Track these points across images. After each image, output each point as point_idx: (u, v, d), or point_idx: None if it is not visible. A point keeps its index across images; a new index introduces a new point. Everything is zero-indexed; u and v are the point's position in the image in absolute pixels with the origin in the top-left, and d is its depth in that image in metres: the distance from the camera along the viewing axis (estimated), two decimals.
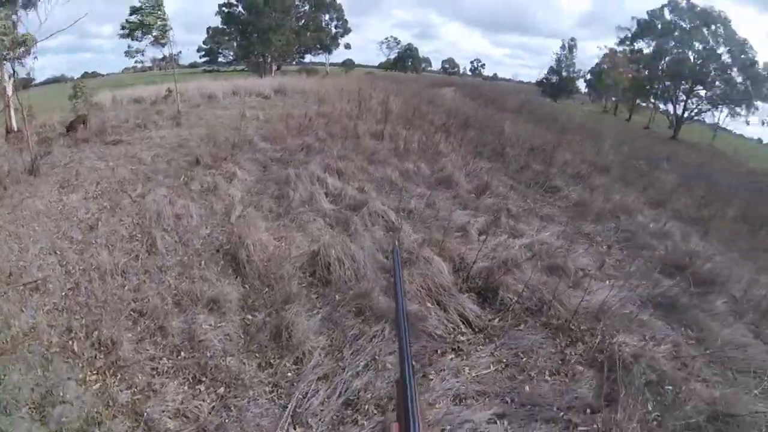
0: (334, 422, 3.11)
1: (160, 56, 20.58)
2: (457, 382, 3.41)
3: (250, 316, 4.15)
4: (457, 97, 17.65)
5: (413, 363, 0.70)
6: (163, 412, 3.29)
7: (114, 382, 3.53)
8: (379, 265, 4.78)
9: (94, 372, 3.65)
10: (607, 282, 4.88)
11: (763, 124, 23.23)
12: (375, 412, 3.15)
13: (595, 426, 3.20)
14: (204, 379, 3.57)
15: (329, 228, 5.68)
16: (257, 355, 3.74)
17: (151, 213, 5.90)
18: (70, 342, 3.93)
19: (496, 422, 3.17)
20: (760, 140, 25.18)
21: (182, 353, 3.82)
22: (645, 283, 5.07)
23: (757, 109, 23.39)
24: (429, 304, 4.12)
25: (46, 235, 5.57)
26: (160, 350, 3.86)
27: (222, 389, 3.46)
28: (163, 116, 11.60)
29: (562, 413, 3.28)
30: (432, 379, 3.42)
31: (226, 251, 5.10)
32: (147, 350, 3.85)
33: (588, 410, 3.36)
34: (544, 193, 7.75)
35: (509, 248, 5.11)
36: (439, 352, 3.74)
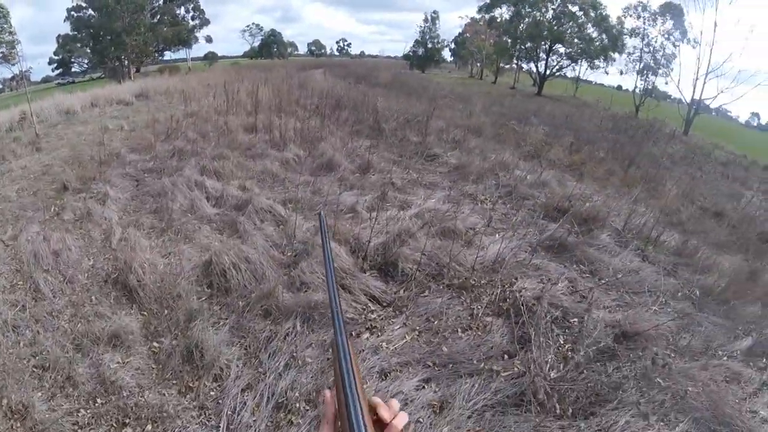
0: (270, 429, 3.06)
1: (10, 75, 18.12)
2: (378, 358, 3.51)
3: (156, 344, 3.87)
4: (327, 79, 17.61)
5: (344, 322, 0.70)
6: None
7: None
8: (277, 261, 4.69)
9: None
10: (497, 236, 5.27)
11: (621, 73, 26.19)
12: (307, 408, 3.14)
13: (515, 369, 3.49)
14: (128, 420, 3.29)
15: (217, 233, 5.46)
16: (174, 382, 3.51)
17: (27, 255, 5.21)
18: None
19: (424, 387, 3.33)
20: (619, 87, 28.41)
21: (98, 399, 3.46)
22: (532, 231, 5.56)
23: (614, 60, 26.31)
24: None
25: None
26: (75, 402, 3.46)
27: (149, 426, 3.23)
28: (21, 143, 10.18)
29: (482, 364, 3.52)
30: None
31: (114, 280, 4.67)
32: (62, 406, 3.43)
33: (505, 356, 3.64)
34: (425, 162, 8.09)
35: (400, 221, 5.26)
36: (354, 334, 3.79)
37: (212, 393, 3.37)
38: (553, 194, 6.74)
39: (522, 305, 4.05)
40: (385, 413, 0.66)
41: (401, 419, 0.67)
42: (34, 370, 3.79)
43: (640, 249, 5.62)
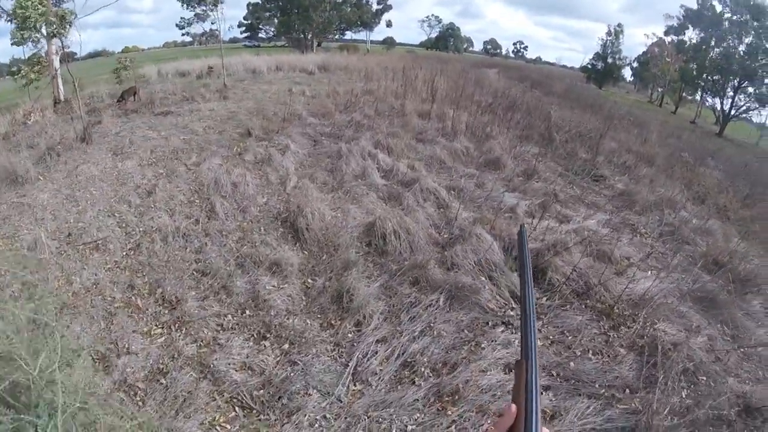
0: (392, 381, 3.39)
1: (200, 31, 20.82)
2: (507, 353, 3.65)
3: (310, 280, 4.45)
4: (501, 79, 17.47)
5: (537, 347, 0.67)
6: (229, 364, 3.53)
7: (179, 336, 3.80)
8: (433, 239, 5.02)
9: (159, 326, 3.93)
10: (650, 272, 5.02)
11: None
12: (430, 374, 3.42)
13: (633, 404, 3.42)
14: (269, 335, 3.85)
15: (382, 202, 5.91)
16: (319, 316, 4.04)
17: (208, 180, 6.21)
18: (134, 298, 4.21)
19: (542, 393, 3.42)
20: None
21: (247, 311, 4.12)
22: (685, 277, 5.19)
23: None
24: (482, 278, 4.35)
25: (103, 199, 5.88)
26: (225, 307, 4.15)
27: (286, 345, 3.73)
28: (209, 89, 11.89)
29: (603, 390, 3.50)
30: (484, 348, 3.67)
31: (284, 219, 5.39)
32: (212, 307, 4.15)
33: (627, 390, 3.58)
34: (591, 181, 7.81)
35: (557, 232, 5.27)
36: (490, 324, 3.98)
37: (350, 335, 3.80)
38: (715, 245, 6.14)
39: (659, 346, 3.88)
40: None
41: None
42: (195, 273, 4.58)
43: None
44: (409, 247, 4.75)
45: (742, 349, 4.41)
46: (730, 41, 24.03)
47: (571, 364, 3.69)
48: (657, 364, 3.77)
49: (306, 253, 4.81)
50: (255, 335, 3.90)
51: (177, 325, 3.94)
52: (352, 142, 7.62)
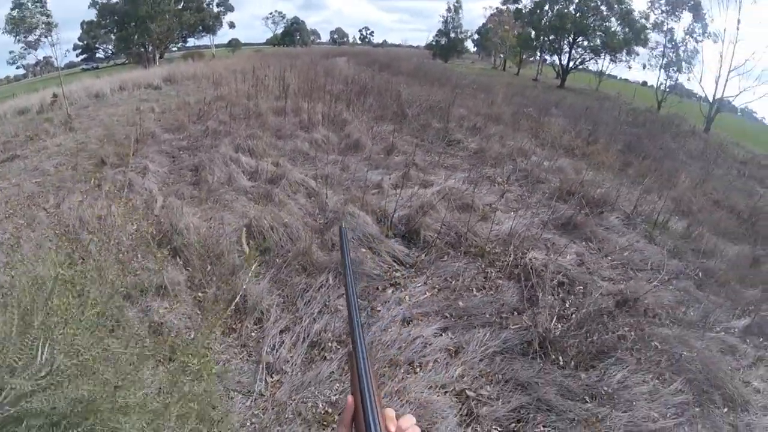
0: (305, 363, 3.45)
1: (34, 61, 18.67)
2: (401, 308, 3.91)
3: (201, 293, 4.32)
4: (351, 66, 17.94)
5: (364, 338, 0.70)
6: (146, 395, 3.34)
7: None
8: (310, 226, 5.13)
9: None
10: (511, 213, 5.62)
11: (644, 67, 25.94)
12: (338, 346, 3.55)
13: (523, 322, 3.86)
14: (174, 356, 3.70)
15: (253, 203, 5.86)
16: (218, 324, 3.95)
17: (72, 219, 5.68)
18: None
19: (441, 334, 3.72)
20: (644, 83, 28.13)
21: (147, 340, 3.90)
22: (544, 210, 5.91)
23: (637, 54, 26.06)
24: (363, 250, 4.59)
25: None
26: (123, 345, 3.89)
27: (195, 360, 3.63)
28: (53, 123, 10.71)
29: (494, 318, 3.91)
30: (380, 310, 3.90)
31: (159, 241, 5.10)
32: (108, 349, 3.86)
33: (515, 312, 4.02)
34: (446, 147, 8.43)
35: (422, 197, 5.65)
36: (380, 288, 4.23)
37: (253, 334, 3.79)
38: (567, 180, 7.04)
39: (532, 270, 4.42)
40: (402, 423, 0.65)
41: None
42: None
43: (648, 232, 5.93)
44: (289, 238, 4.80)
45: (609, 257, 5.16)
46: (562, 3, 27.02)
47: (460, 303, 4.05)
48: (534, 286, 4.28)
49: (190, 269, 4.63)
50: (162, 360, 3.72)
51: None
52: (212, 150, 7.43)
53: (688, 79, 23.77)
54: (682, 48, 23.72)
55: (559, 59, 27.77)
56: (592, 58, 27.19)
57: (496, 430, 3.05)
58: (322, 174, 6.57)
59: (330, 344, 3.56)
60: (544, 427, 3.05)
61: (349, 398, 0.65)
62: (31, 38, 18.20)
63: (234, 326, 3.89)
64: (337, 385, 3.23)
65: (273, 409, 3.05)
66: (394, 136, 8.29)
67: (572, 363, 3.50)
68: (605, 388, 3.28)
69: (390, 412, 0.64)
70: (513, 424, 3.08)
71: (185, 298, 4.28)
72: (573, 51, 27.12)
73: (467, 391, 3.25)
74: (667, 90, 24.09)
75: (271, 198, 5.88)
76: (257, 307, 3.91)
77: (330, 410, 3.05)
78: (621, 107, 16.66)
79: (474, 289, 4.28)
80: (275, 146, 7.91)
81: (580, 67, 27.64)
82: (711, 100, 20.97)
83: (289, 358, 3.52)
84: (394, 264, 4.56)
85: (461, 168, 7.29)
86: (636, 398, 3.24)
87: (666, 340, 3.87)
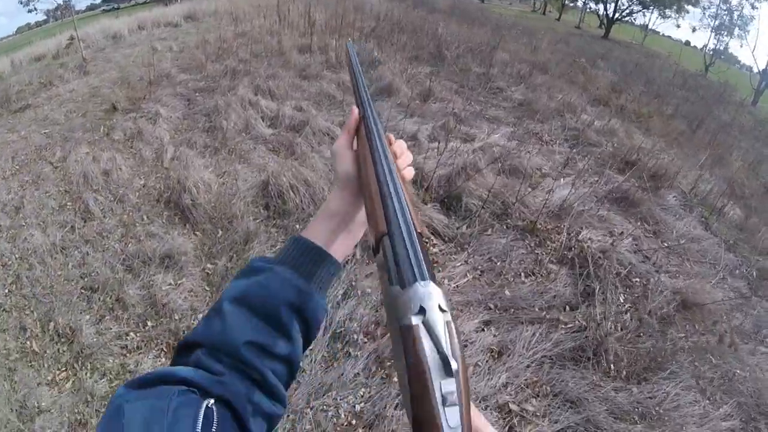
0: (327, 360, 2.97)
1: (54, 5, 18.01)
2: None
3: (210, 265, 3.82)
4: (382, 1, 16.70)
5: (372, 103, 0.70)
6: None
7: (86, 375, 3.13)
8: None
9: (62, 369, 3.23)
10: (562, 180, 4.92)
11: (693, 30, 24.06)
12: (365, 340, 3.05)
13: (576, 322, 3.31)
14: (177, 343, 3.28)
15: (273, 154, 5.26)
16: None
17: (76, 176, 5.21)
18: (29, 342, 3.43)
19: (483, 330, 3.19)
20: (687, 42, 26.15)
21: (149, 323, 3.45)
22: (597, 180, 5.20)
23: (687, 11, 24.07)
24: None
25: None
26: (124, 325, 3.45)
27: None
28: (68, 68, 10.09)
29: (544, 313, 3.35)
30: None
31: (167, 200, 4.61)
32: (110, 329, 3.41)
33: (567, 307, 3.46)
34: (488, 95, 7.57)
35: (464, 154, 4.96)
36: None
37: None
38: (621, 145, 6.26)
39: (588, 255, 3.80)
40: (395, 149, 0.66)
41: (409, 171, 0.68)
42: (83, 291, 3.79)
43: (704, 217, 5.24)
44: (312, 200, 4.21)
45: (665, 244, 4.51)
46: None
47: (506, 291, 3.48)
48: (590, 275, 3.68)
49: (199, 234, 4.12)
50: (165, 348, 3.29)
51: (80, 361, 3.22)
52: (230, 92, 6.72)
53: (741, 46, 22.09)
54: (737, 12, 21.70)
55: (605, 7, 25.67)
56: (640, 11, 25.10)
57: None
58: None
59: (356, 337, 3.06)
60: None
61: (354, 108, 0.70)
62: None
63: None
64: (363, 390, 2.74)
65: (288, 417, 2.58)
66: (431, 80, 7.41)
67: (624, 373, 3.00)
68: (656, 408, 2.80)
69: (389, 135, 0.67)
70: None
71: (192, 270, 3.81)
72: (620, 0, 25.01)
73: (510, 404, 2.76)
74: (714, 55, 22.30)
75: (292, 150, 5.25)
76: None
77: (354, 422, 2.58)
78: (672, 68, 15.25)
79: (523, 274, 3.68)
80: (298, 87, 7.16)
81: (626, 18, 25.60)
82: (761, 71, 19.44)
83: (308, 352, 3.03)
84: (432, 237, 3.94)
85: (505, 121, 6.49)
86: (686, 421, 2.78)
87: (722, 354, 3.33)
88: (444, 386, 0.35)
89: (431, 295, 0.39)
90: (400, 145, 0.67)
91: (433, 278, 0.41)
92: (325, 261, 0.63)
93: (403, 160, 0.66)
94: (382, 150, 0.58)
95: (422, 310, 0.38)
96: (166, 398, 0.47)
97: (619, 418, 2.74)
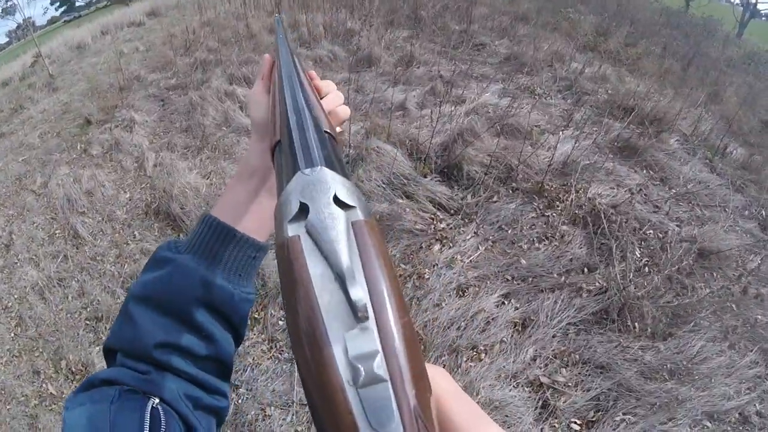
0: None
1: (14, 26, 17.47)
2: (454, 273, 3.20)
3: None
4: None
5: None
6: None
7: None
8: None
9: None
10: (561, 134, 4.73)
11: None
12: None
13: (597, 283, 3.18)
14: None
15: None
16: None
17: (60, 200, 4.99)
18: (44, 385, 3.34)
19: (504, 303, 3.06)
20: None
21: None
22: (597, 130, 5.01)
23: None
24: (399, 200, 3.76)
25: None
26: None
27: None
28: (36, 88, 9.69)
29: (563, 278, 3.21)
30: (428, 278, 3.19)
31: (155, 210, 4.42)
32: None
33: (586, 269, 3.33)
34: (472, 52, 7.26)
35: (456, 117, 4.71)
36: (423, 246, 3.47)
37: (281, 323, 3.15)
38: (615, 91, 6.04)
39: (601, 213, 3.65)
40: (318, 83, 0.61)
41: (344, 110, 0.62)
42: (87, 323, 3.67)
43: (708, 159, 5.08)
44: None
45: (673, 190, 4.37)
46: None
47: (522, 260, 3.34)
48: (605, 232, 3.54)
49: None
50: None
51: None
52: (203, 86, 6.41)
53: None
54: None
55: None
56: None
57: (576, 423, 2.50)
58: None
59: None
60: (624, 414, 2.50)
61: (266, 56, 0.66)
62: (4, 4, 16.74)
63: (256, 316, 3.25)
64: None
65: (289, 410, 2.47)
66: (411, 44, 7.08)
67: (648, 331, 2.90)
68: (684, 363, 2.72)
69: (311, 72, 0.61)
70: (591, 413, 2.53)
71: None
72: None
73: (541, 378, 2.65)
74: None
75: None
76: (280, 289, 3.23)
77: None
78: (651, 4, 14.82)
79: (535, 239, 3.53)
80: None
81: None
82: (744, 2, 19.10)
83: None
84: (437, 212, 3.74)
85: (494, 78, 6.20)
86: (714, 372, 2.72)
87: (741, 301, 3.21)
88: (352, 345, 0.19)
89: (320, 183, 0.25)
90: (328, 84, 0.62)
91: (332, 167, 0.27)
92: (238, 241, 0.55)
93: (332, 99, 0.60)
94: (288, 67, 0.51)
95: (304, 209, 0.24)
96: (107, 401, 0.44)
97: (650, 378, 2.66)
